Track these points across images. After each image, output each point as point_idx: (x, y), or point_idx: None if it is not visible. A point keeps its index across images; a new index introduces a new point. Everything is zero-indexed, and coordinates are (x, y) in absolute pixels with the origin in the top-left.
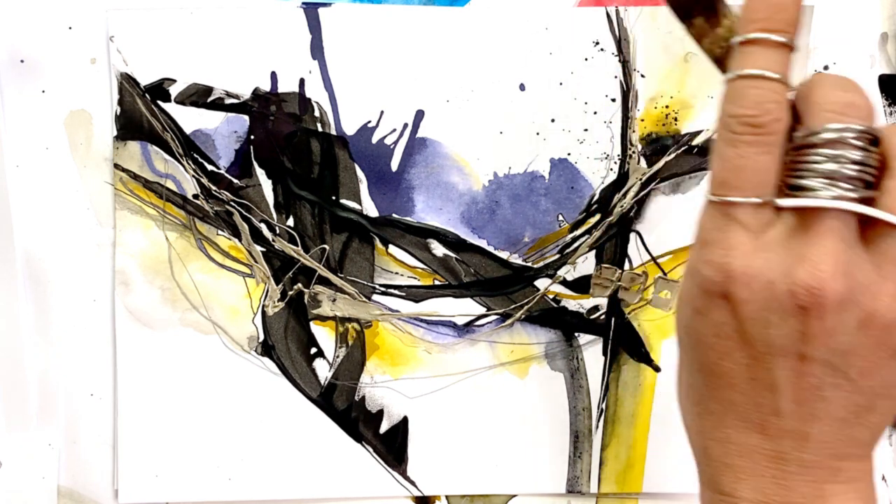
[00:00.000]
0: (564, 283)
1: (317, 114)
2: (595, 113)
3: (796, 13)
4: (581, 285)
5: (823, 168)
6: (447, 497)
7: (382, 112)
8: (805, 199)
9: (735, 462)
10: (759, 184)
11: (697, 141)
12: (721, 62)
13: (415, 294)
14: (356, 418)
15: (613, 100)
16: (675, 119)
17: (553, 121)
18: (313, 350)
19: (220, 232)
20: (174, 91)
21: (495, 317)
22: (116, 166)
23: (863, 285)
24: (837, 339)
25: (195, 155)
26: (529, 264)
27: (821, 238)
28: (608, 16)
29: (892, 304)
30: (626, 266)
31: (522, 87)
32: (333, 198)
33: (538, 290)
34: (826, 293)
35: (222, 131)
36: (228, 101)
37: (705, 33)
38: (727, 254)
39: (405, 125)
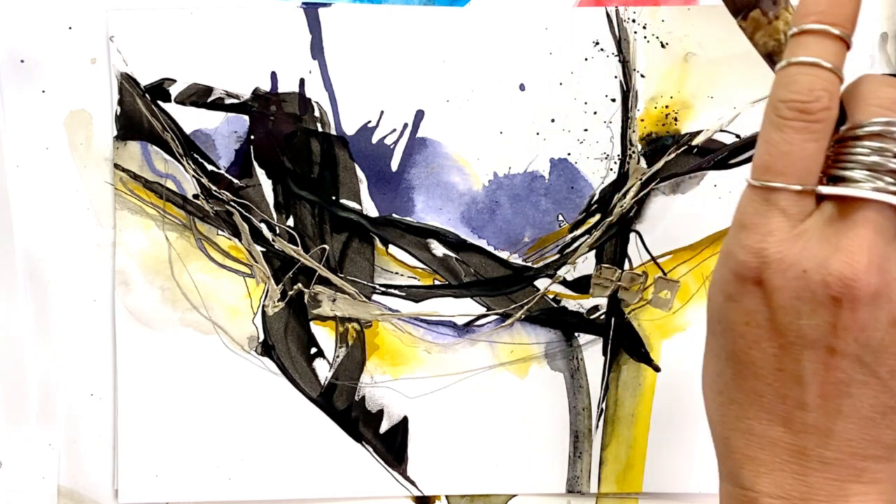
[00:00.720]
0: (564, 283)
1: (317, 114)
2: (595, 113)
3: (854, 10)
4: (581, 285)
5: (867, 160)
6: (447, 497)
7: (382, 112)
8: (847, 188)
9: (756, 455)
10: (803, 171)
11: (697, 141)
12: (772, 57)
13: (415, 294)
14: (356, 418)
15: (613, 100)
16: (675, 119)
17: (553, 121)
18: (313, 350)
19: (220, 232)
20: (174, 91)
21: (495, 317)
22: (116, 166)
23: None
24: (869, 335)
25: (195, 155)
26: (529, 264)
27: (859, 229)
28: (608, 16)
29: None
30: (626, 266)
31: (522, 87)
32: (333, 198)
33: (538, 290)
34: (860, 285)
35: (222, 131)
36: (228, 101)
37: (760, 27)
38: (764, 239)
39: (405, 125)
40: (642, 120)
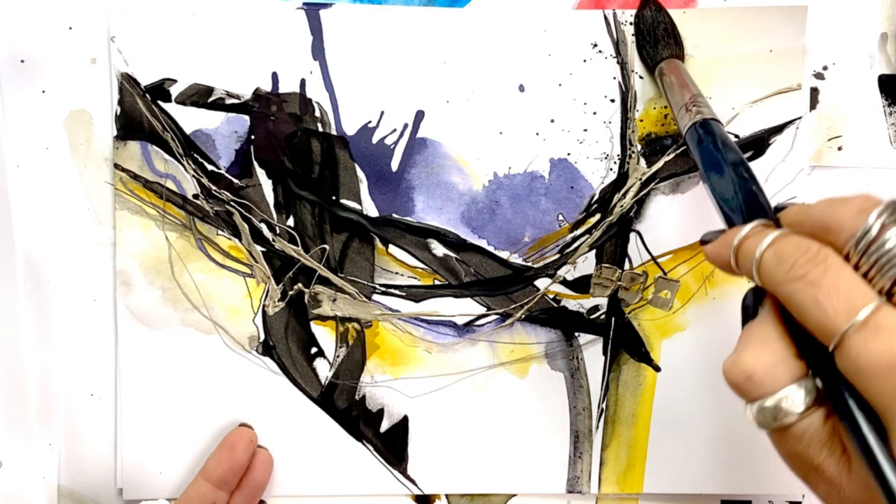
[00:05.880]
0: (564, 283)
1: (317, 114)
2: (594, 113)
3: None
4: (581, 285)
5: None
6: (447, 496)
7: (383, 112)
8: None
9: None
10: (863, 296)
11: None
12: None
13: (415, 294)
14: (357, 417)
15: (612, 100)
16: (674, 119)
17: (553, 121)
18: (314, 350)
19: (220, 232)
20: (175, 91)
21: (495, 317)
22: (116, 166)
23: None
24: None
25: (195, 155)
26: (529, 264)
27: None
28: (605, 18)
29: None
30: (626, 266)
31: (522, 88)
32: (333, 198)
33: (538, 290)
34: None
35: (223, 131)
36: (229, 101)
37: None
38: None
39: (405, 125)
40: (641, 120)
